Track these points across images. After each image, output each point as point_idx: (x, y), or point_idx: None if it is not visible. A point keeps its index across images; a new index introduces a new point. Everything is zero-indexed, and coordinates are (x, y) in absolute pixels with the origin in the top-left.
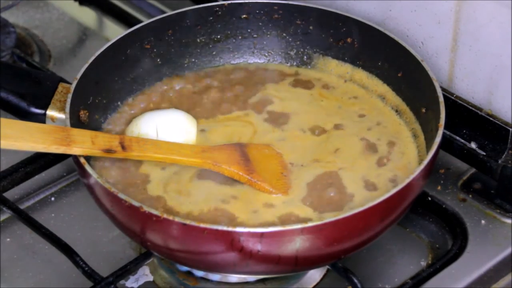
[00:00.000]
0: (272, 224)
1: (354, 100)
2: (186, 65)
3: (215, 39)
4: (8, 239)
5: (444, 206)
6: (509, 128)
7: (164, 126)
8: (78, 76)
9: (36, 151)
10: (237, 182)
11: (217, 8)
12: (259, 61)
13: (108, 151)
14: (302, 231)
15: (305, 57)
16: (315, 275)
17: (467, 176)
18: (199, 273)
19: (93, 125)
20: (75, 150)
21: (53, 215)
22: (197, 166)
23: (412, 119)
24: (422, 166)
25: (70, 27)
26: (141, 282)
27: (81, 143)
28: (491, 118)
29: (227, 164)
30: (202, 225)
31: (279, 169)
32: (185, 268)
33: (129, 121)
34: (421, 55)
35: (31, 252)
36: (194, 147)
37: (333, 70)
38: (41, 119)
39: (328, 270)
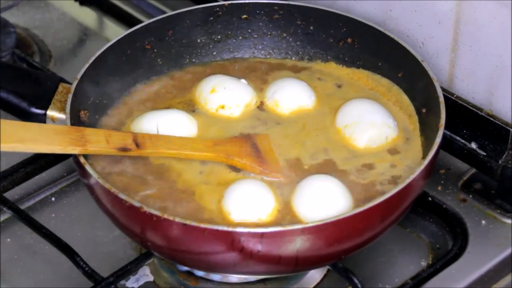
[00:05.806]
0: None
1: (356, 97)
2: (186, 65)
3: (216, 39)
4: (9, 239)
5: (444, 206)
6: (509, 128)
7: (164, 126)
8: (79, 76)
9: (52, 153)
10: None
11: (218, 8)
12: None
13: (123, 149)
14: (303, 231)
15: (305, 57)
16: (315, 275)
17: (468, 176)
18: (199, 273)
19: (94, 126)
20: (90, 150)
21: (53, 215)
22: (210, 160)
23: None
24: (422, 166)
25: (71, 27)
26: (141, 282)
27: (96, 142)
28: (491, 118)
29: (239, 156)
30: (203, 225)
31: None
32: (185, 268)
33: (129, 121)
34: (421, 56)
35: (31, 252)
36: (206, 141)
37: (333, 70)
38: (42, 119)
39: (328, 270)
